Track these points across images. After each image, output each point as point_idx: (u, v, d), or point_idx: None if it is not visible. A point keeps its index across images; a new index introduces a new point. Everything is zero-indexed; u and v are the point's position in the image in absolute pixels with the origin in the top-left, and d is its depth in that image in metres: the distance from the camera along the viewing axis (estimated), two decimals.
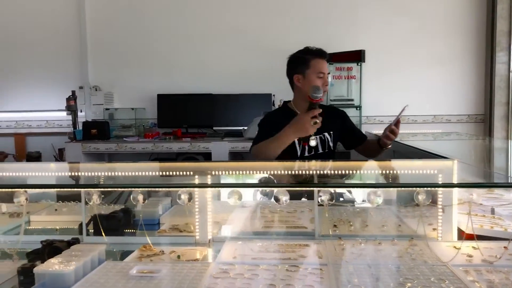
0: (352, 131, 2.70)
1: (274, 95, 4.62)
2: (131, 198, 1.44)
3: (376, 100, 4.44)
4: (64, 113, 4.73)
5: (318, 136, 2.50)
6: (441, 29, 4.63)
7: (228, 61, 4.80)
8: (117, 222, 2.22)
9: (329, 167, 2.15)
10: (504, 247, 1.48)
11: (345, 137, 2.69)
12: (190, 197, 1.45)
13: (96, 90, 4.86)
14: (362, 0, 4.69)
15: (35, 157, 4.74)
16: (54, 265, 1.32)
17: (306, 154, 2.53)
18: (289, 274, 1.35)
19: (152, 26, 4.89)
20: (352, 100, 4.29)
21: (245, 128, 4.26)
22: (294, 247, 1.61)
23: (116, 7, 4.94)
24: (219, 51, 4.82)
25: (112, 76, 4.96)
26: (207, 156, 4.27)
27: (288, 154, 2.46)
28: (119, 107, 4.91)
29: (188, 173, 1.83)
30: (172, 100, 4.75)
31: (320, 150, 2.54)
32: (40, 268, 1.29)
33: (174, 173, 1.85)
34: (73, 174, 2.15)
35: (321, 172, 1.93)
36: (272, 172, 1.89)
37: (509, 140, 4.38)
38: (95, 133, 4.33)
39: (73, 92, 4.55)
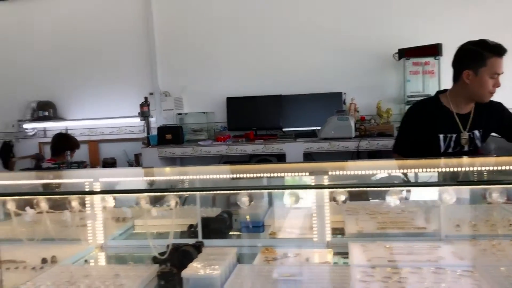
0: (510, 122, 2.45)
1: (345, 93, 4.54)
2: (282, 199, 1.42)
3: None
4: (134, 119, 4.85)
5: (468, 133, 2.38)
6: None
7: (296, 60, 4.76)
8: (224, 225, 2.23)
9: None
10: None
11: (507, 130, 2.46)
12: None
13: (166, 95, 4.95)
14: None
15: (110, 164, 4.88)
16: (200, 269, 1.32)
17: (450, 150, 2.40)
18: (440, 277, 1.29)
19: (219, 29, 4.93)
20: (429, 95, 4.14)
21: (319, 128, 4.20)
22: (427, 249, 1.55)
23: (183, 11, 5.02)
24: (286, 50, 4.78)
25: (181, 81, 5.04)
26: (280, 158, 4.24)
27: (430, 150, 2.39)
28: (188, 111, 4.98)
29: (305, 173, 1.80)
30: (241, 103, 4.77)
31: (466, 148, 2.39)
32: (188, 272, 1.30)
33: (281, 174, 1.83)
34: (181, 178, 2.18)
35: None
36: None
37: None
38: (170, 138, 4.40)
39: (146, 98, 4.65)
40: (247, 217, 2.14)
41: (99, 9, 5.19)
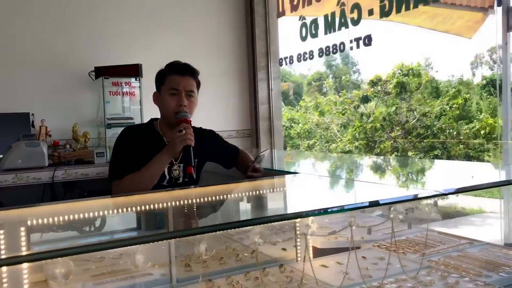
0: (226, 149, 2.40)
1: (33, 114, 3.82)
2: None
3: None
4: None
5: (181, 165, 2.14)
6: (209, 47, 4.69)
7: None
8: None
9: None
10: None
11: (221, 158, 2.38)
12: None
13: None
14: (130, 15, 4.35)
15: None
16: None
17: (165, 183, 2.11)
18: None
19: None
20: (131, 118, 3.90)
21: (0, 156, 3.38)
22: None
23: None
24: None
25: None
26: None
27: None
28: None
29: None
30: None
31: (180, 180, 2.16)
32: None
33: None
34: None
35: None
36: None
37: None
38: None
39: None
40: None
41: None
